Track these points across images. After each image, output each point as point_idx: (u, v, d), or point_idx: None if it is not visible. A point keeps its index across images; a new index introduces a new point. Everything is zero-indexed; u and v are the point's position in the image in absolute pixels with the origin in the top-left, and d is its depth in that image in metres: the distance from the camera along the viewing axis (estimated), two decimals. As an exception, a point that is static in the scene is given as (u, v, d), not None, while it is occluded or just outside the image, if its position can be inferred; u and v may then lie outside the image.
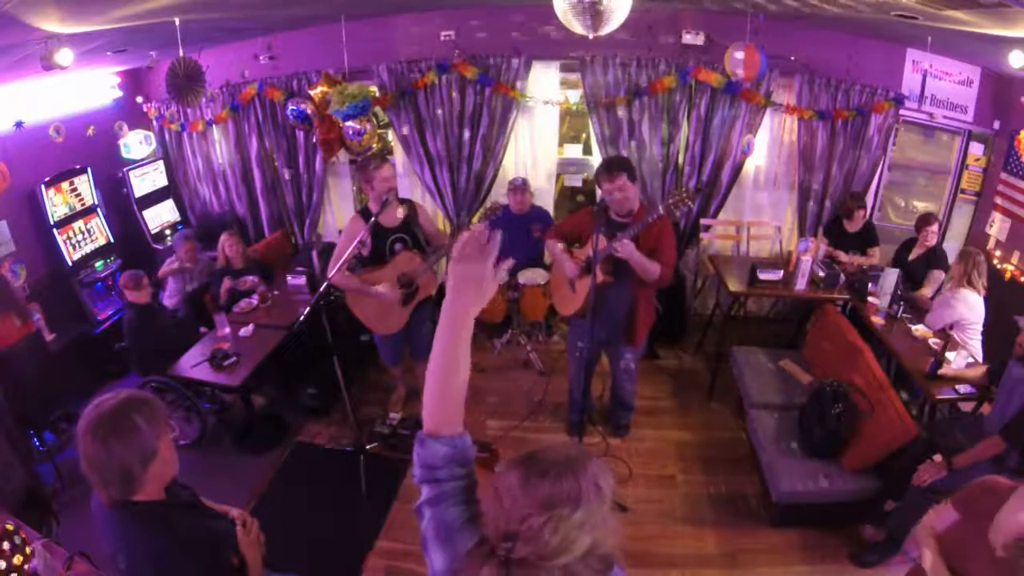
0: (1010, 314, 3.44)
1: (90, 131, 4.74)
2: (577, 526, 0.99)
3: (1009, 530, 1.63)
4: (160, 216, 5.24)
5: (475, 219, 5.00)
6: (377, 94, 4.62)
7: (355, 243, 3.12)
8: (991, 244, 4.32)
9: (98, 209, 4.68)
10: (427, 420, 1.17)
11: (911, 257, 4.15)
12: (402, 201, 3.41)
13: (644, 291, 3.22)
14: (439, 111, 4.72)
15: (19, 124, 4.09)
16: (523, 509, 0.99)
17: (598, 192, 3.18)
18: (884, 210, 5.11)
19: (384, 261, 3.35)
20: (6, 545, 1.63)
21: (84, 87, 4.65)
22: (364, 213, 3.32)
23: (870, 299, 3.95)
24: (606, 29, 2.69)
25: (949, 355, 3.33)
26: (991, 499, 1.75)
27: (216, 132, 5.23)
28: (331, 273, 3.08)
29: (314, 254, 4.76)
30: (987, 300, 3.58)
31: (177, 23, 3.09)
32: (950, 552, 1.87)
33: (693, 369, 4.63)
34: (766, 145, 4.77)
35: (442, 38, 4.59)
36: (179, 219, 5.42)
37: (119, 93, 4.97)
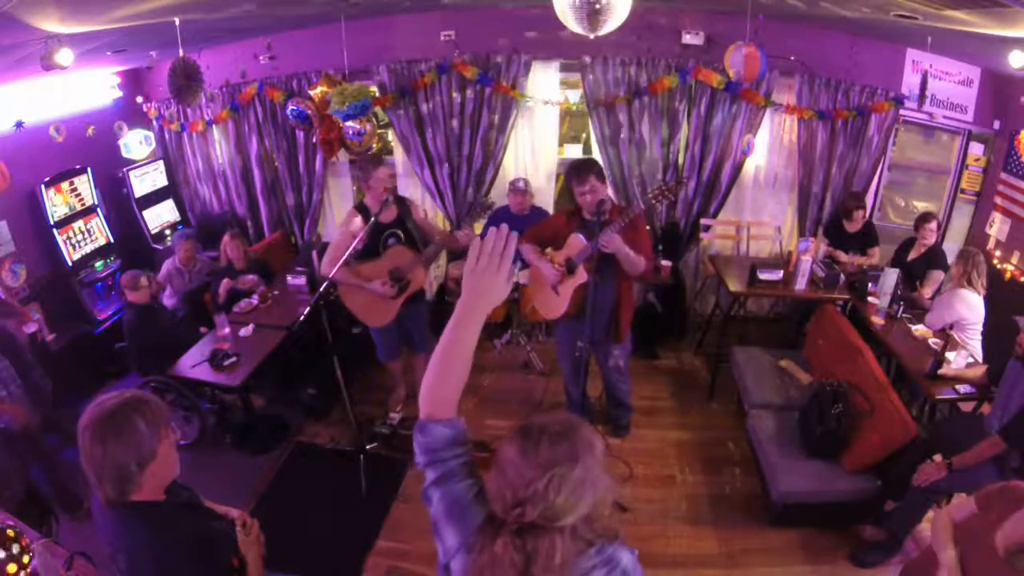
0: (1010, 314, 3.44)
1: (90, 131, 4.74)
2: (578, 483, 1.07)
3: (1018, 536, 1.64)
4: (160, 216, 5.24)
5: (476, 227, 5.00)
6: (377, 94, 4.63)
7: (356, 242, 3.14)
8: (991, 244, 4.32)
9: (98, 209, 4.68)
10: (425, 405, 1.22)
11: (911, 257, 4.15)
12: (397, 198, 3.46)
13: (626, 287, 3.23)
14: (439, 111, 4.72)
15: (19, 124, 4.09)
16: (526, 475, 1.06)
17: None
18: (884, 210, 5.11)
19: (377, 254, 3.38)
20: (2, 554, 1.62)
21: (84, 87, 4.65)
22: (361, 209, 3.36)
23: (870, 299, 3.95)
24: (605, 29, 2.68)
25: (949, 355, 3.32)
26: (1009, 502, 1.76)
27: (216, 132, 5.23)
28: (330, 269, 3.11)
29: (314, 254, 4.76)
30: (987, 300, 3.58)
31: (177, 23, 3.09)
32: (955, 544, 1.89)
33: (693, 369, 4.63)
34: (766, 145, 4.77)
35: (442, 38, 4.59)
36: (179, 219, 5.42)
37: (119, 93, 4.97)
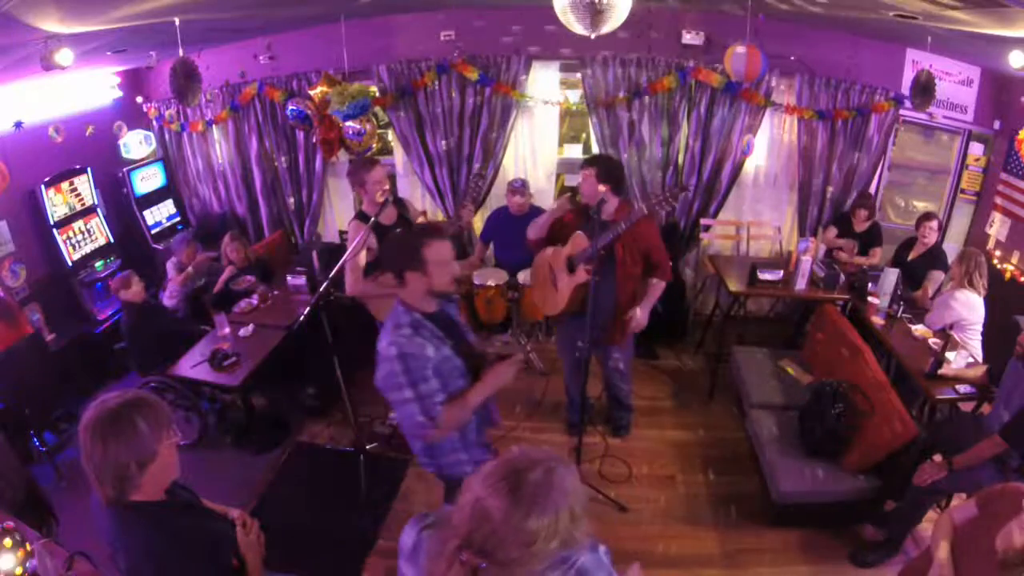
0: (1010, 314, 3.45)
1: (90, 131, 4.74)
2: (552, 549, 1.04)
3: (1017, 542, 1.63)
4: (160, 216, 5.24)
5: (477, 224, 5.00)
6: (377, 94, 4.62)
7: (362, 244, 3.14)
8: (991, 244, 4.32)
9: (98, 209, 4.68)
10: None
11: (911, 257, 4.15)
12: (395, 199, 3.48)
13: (629, 290, 3.21)
14: (439, 111, 4.72)
15: (19, 124, 4.09)
16: (503, 540, 1.02)
17: None
18: (884, 210, 5.11)
19: None
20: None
21: (84, 87, 4.65)
22: (361, 216, 3.35)
23: (870, 299, 3.95)
24: (606, 29, 2.68)
25: (949, 355, 3.32)
26: (1009, 505, 1.75)
27: (216, 132, 5.23)
28: (356, 287, 3.13)
29: (314, 254, 4.75)
30: (987, 300, 3.58)
31: (177, 23, 3.09)
32: (955, 545, 1.88)
33: (693, 369, 4.63)
34: (766, 145, 4.77)
35: (442, 38, 4.59)
36: (179, 219, 5.42)
37: (119, 93, 4.97)
